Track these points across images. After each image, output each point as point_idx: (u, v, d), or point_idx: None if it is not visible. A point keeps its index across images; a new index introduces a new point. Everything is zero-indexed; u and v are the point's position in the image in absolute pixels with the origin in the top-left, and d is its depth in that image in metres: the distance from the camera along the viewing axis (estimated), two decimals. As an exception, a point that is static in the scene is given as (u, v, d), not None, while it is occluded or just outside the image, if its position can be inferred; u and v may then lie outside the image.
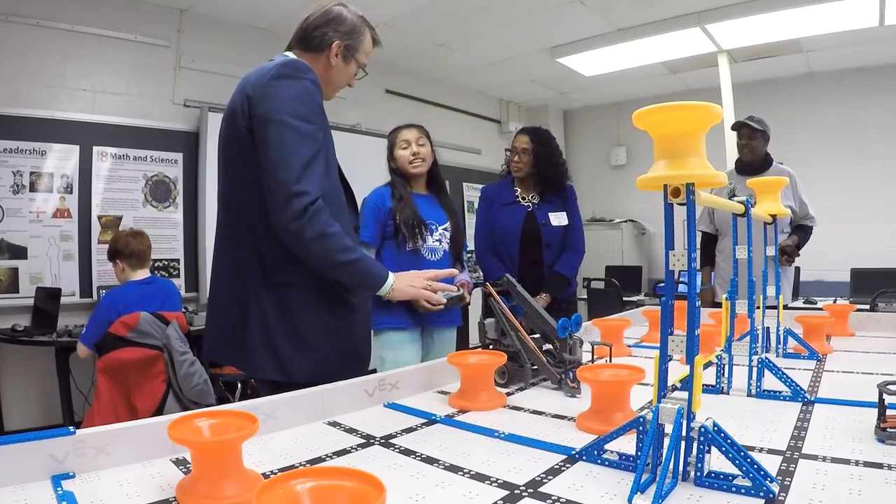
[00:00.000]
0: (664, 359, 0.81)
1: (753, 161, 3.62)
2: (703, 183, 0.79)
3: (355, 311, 1.78)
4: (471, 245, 3.75)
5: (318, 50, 1.80)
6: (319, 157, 1.63)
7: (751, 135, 3.58)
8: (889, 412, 0.96)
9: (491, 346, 1.51)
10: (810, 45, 6.05)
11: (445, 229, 2.78)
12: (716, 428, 0.81)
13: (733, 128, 3.71)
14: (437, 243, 2.74)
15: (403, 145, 2.72)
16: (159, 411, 3.05)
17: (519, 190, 3.24)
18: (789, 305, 3.79)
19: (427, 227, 2.69)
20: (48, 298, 4.10)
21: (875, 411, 0.98)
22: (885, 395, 0.96)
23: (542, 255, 3.13)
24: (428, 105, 7.19)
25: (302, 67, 1.68)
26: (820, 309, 2.35)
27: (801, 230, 3.63)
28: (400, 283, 1.75)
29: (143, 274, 3.41)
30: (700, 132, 0.79)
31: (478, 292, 3.10)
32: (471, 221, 6.13)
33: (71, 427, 0.92)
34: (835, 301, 4.63)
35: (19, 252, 4.27)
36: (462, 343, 3.02)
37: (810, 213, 3.63)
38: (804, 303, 4.72)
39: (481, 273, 3.33)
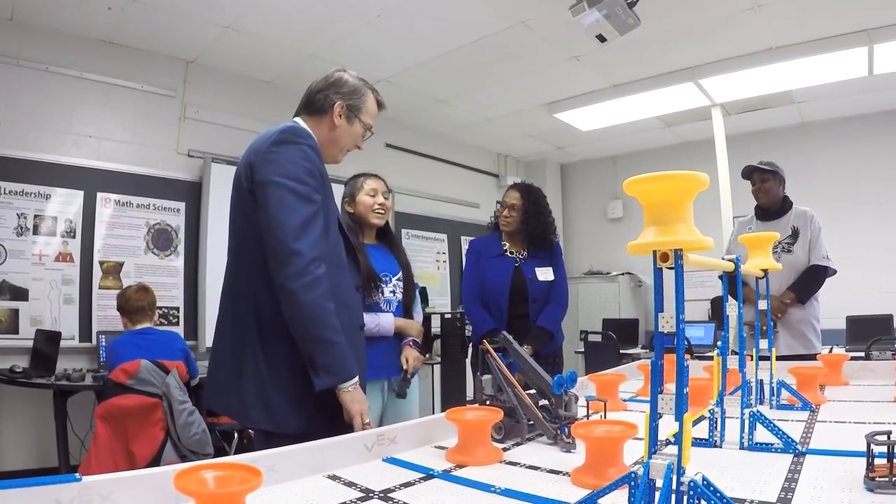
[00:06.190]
0: (654, 417, 0.83)
1: (771, 204, 3.62)
2: (690, 248, 0.83)
3: None
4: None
5: (322, 112, 1.90)
6: (317, 218, 1.69)
7: (762, 178, 3.60)
8: (877, 461, 0.97)
9: (488, 402, 1.53)
10: (802, 97, 6.18)
11: (399, 279, 2.76)
12: (705, 482, 0.83)
13: (744, 176, 3.70)
14: (392, 294, 2.72)
15: (371, 192, 2.71)
16: (157, 459, 3.05)
17: (507, 244, 3.26)
18: (818, 354, 3.74)
19: (381, 281, 2.67)
20: (48, 341, 4.11)
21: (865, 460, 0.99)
22: (872, 445, 0.98)
23: (528, 309, 3.13)
24: (427, 159, 7.28)
25: (301, 133, 1.78)
26: (815, 358, 2.38)
27: (812, 272, 3.55)
28: (357, 394, 1.68)
29: (141, 325, 3.48)
30: (687, 200, 0.83)
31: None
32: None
33: (77, 474, 0.92)
34: (831, 350, 4.61)
35: (20, 294, 4.30)
36: (460, 399, 2.99)
37: (824, 254, 3.55)
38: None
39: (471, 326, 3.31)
